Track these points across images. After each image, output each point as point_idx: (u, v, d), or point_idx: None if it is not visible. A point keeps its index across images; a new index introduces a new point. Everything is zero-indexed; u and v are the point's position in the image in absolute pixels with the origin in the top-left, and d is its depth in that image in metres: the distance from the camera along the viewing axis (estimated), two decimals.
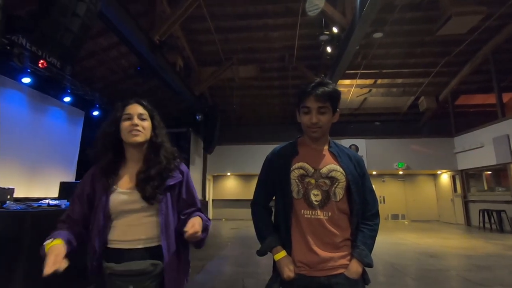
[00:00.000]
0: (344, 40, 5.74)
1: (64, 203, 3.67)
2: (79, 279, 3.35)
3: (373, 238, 1.22)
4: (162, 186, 1.13)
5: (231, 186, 12.80)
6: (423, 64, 8.67)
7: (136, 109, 1.19)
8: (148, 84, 8.37)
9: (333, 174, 1.21)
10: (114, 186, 1.14)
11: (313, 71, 8.66)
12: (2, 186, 3.47)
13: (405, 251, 5.59)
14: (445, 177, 11.62)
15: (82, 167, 7.36)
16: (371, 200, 1.26)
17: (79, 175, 7.12)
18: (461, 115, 10.73)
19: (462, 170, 10.32)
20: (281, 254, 1.19)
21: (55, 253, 0.96)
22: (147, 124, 1.19)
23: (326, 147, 1.28)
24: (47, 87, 6.09)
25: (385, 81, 9.80)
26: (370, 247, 1.19)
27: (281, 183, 1.23)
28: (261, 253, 1.24)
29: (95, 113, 7.70)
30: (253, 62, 8.59)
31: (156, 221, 1.11)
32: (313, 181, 1.21)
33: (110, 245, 1.10)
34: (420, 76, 9.33)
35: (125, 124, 1.15)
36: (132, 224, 1.11)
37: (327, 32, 6.38)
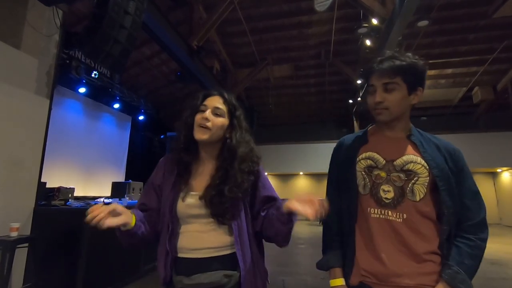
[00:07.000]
0: (385, 32, 5.44)
1: (116, 201, 4.00)
2: (133, 271, 3.64)
3: (475, 258, 0.91)
4: (233, 200, 0.97)
5: None
6: (477, 51, 7.85)
7: (214, 102, 1.02)
8: (188, 89, 8.74)
9: (409, 166, 0.97)
10: (183, 186, 1.01)
11: (351, 66, 8.33)
12: (65, 186, 3.89)
13: None
14: (506, 176, 10.41)
15: (130, 168, 7.97)
16: (473, 205, 0.95)
17: (128, 175, 7.71)
18: None
19: None
20: (337, 282, 1.00)
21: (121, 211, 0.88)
22: (221, 121, 1.01)
23: (405, 135, 1.04)
24: (99, 95, 6.68)
25: (432, 72, 9.06)
26: (470, 270, 0.90)
27: (346, 176, 1.05)
28: (319, 266, 1.08)
29: (141, 117, 8.34)
30: (287, 61, 8.52)
31: (228, 226, 0.98)
32: (383, 174, 0.99)
33: (180, 254, 0.97)
34: (474, 64, 8.46)
35: (197, 117, 1.01)
36: (202, 230, 0.97)
37: (366, 25, 6.09)
